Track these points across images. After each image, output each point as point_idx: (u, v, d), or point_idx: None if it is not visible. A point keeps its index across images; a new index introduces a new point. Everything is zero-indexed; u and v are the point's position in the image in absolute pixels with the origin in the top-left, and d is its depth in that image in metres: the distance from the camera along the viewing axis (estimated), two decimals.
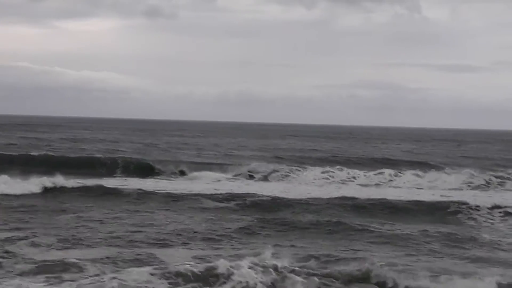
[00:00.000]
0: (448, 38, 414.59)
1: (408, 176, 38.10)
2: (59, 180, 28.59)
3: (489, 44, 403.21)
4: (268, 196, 26.82)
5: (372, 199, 26.89)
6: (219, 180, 35.00)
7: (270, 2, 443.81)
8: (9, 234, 17.47)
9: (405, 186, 35.57)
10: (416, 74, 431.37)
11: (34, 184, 27.86)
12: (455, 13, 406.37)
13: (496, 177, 38.15)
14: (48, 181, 28.30)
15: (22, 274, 13.20)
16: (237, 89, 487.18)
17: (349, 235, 19.36)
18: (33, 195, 26.62)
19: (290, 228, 20.34)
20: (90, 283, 12.18)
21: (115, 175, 36.76)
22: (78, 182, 28.96)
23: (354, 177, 38.03)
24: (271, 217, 22.09)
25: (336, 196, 27.81)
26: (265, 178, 36.94)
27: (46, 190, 27.65)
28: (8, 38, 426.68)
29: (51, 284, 12.30)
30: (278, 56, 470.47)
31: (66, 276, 13.00)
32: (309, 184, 35.53)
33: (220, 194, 27.31)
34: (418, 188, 34.95)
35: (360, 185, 36.05)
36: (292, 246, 17.55)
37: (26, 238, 16.95)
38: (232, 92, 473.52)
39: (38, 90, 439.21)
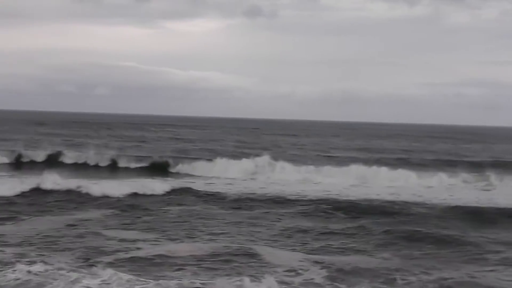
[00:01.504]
0: None
1: None
2: None
3: None
4: None
5: None
6: None
7: (375, 0, 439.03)
8: None
9: None
10: None
11: None
12: None
13: None
14: None
15: None
16: (340, 88, 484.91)
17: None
18: None
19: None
20: None
21: None
22: None
23: None
24: None
25: None
26: None
27: None
28: (116, 39, 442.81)
29: None
30: (381, 54, 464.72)
31: None
32: None
33: None
34: None
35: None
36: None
37: None
38: (335, 91, 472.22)
39: (145, 90, 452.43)
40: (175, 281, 12.64)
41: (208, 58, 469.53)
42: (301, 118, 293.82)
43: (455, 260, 16.10)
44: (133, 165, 39.53)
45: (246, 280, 12.65)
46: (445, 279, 13.74)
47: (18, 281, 12.40)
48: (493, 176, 35.94)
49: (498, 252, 17.10)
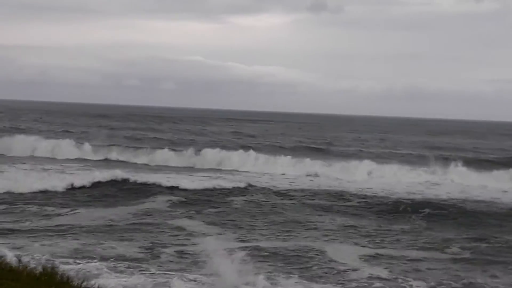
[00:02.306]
0: None
1: None
2: None
3: None
4: None
5: None
6: None
7: None
8: None
9: None
10: None
11: None
12: None
13: None
14: None
15: None
16: (403, 83, 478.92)
17: None
18: None
19: None
20: None
21: None
22: None
23: None
24: None
25: None
26: None
27: None
28: (182, 34, 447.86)
29: None
30: (448, 49, 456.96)
31: None
32: None
33: None
34: None
35: None
36: None
37: None
38: (399, 86, 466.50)
39: (210, 84, 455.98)
40: None
41: (272, 53, 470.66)
42: (363, 113, 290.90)
43: None
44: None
45: None
46: None
47: None
48: None
49: None
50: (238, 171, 36.29)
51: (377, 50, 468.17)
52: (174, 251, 16.18)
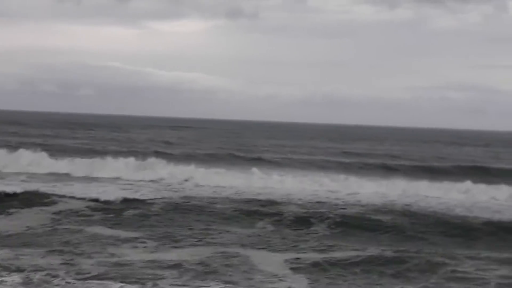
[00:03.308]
0: None
1: None
2: None
3: None
4: None
5: None
6: None
7: (360, 3, 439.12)
8: None
9: None
10: (508, 76, 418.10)
11: None
12: None
13: None
14: None
15: None
16: (324, 90, 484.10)
17: None
18: None
19: None
20: None
21: None
22: None
23: None
24: None
25: None
26: None
27: None
28: (100, 39, 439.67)
29: None
30: (366, 57, 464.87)
31: None
32: None
33: None
34: None
35: None
36: None
37: None
38: (319, 93, 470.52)
39: (130, 90, 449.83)
40: None
41: (192, 59, 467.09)
42: (285, 120, 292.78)
43: None
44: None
45: None
46: None
47: None
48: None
49: None
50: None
51: (298, 57, 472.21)
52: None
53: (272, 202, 25.26)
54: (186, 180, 31.94)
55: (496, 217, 24.21)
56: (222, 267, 15.30)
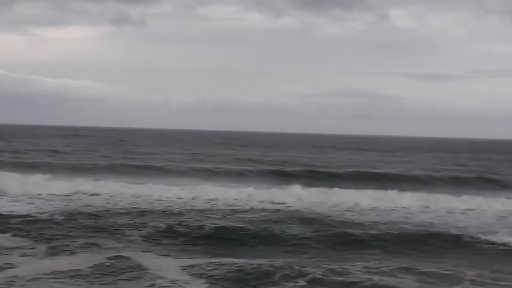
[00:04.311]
0: (422, 47, 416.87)
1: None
2: None
3: (464, 53, 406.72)
4: None
5: None
6: None
7: (249, 11, 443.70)
8: None
9: None
10: (392, 82, 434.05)
11: None
12: (423, 21, 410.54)
13: None
14: None
15: None
16: (215, 97, 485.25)
17: None
18: None
19: None
20: None
21: None
22: None
23: None
24: None
25: None
26: None
27: None
28: None
29: None
30: (256, 64, 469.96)
31: None
32: None
33: None
34: None
35: None
36: None
37: None
38: (210, 100, 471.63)
39: (16, 98, 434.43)
40: None
41: (80, 66, 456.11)
42: (176, 127, 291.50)
43: None
44: None
45: None
46: None
47: None
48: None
49: None
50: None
51: (188, 64, 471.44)
52: None
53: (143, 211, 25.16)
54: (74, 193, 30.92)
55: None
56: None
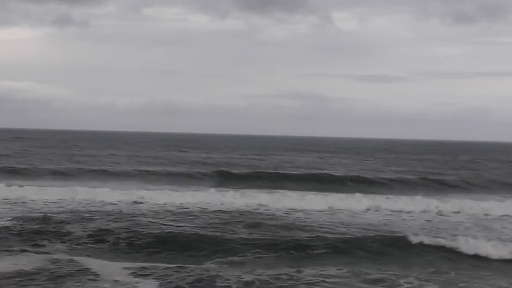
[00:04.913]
0: (367, 49, 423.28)
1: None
2: None
3: (407, 55, 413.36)
4: None
5: None
6: None
7: (195, 12, 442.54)
8: None
9: None
10: (338, 84, 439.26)
11: None
12: (366, 24, 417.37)
13: None
14: None
15: None
16: (162, 99, 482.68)
17: None
18: None
19: None
20: None
21: None
22: None
23: None
24: None
25: None
26: None
27: None
28: None
29: None
30: (203, 65, 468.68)
31: None
32: None
33: None
34: None
35: None
36: None
37: None
38: (157, 102, 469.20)
39: None
40: None
41: (23, 68, 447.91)
42: (122, 129, 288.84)
43: None
44: None
45: None
46: None
47: None
48: None
49: None
50: None
51: (135, 65, 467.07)
52: None
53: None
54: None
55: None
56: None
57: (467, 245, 19.56)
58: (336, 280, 15.54)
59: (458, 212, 29.80)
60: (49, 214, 24.09)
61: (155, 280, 15.22)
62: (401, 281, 15.62)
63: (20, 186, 32.84)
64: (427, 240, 20.39)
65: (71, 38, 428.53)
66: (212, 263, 17.34)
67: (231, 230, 22.06)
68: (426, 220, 27.03)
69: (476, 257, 18.85)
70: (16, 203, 28.49)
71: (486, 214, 29.23)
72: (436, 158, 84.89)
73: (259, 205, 30.13)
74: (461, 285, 15.57)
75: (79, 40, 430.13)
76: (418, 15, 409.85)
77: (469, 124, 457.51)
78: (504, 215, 28.98)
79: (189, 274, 15.72)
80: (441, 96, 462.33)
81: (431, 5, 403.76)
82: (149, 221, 23.49)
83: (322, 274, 16.05)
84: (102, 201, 29.76)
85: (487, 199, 34.95)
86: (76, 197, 30.40)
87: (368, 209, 30.16)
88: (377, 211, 29.72)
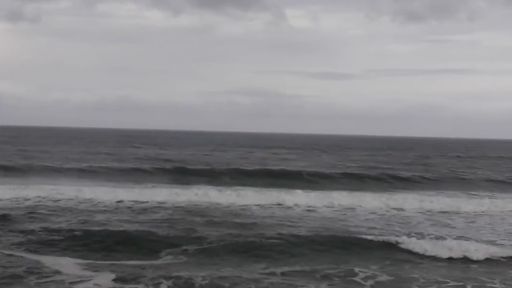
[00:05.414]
0: (320, 47, 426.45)
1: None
2: None
3: (360, 53, 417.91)
4: None
5: None
6: None
7: (149, 9, 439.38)
8: None
9: None
10: (292, 81, 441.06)
11: None
12: (319, 22, 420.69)
13: None
14: None
15: None
16: (116, 95, 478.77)
17: None
18: None
19: None
20: None
21: None
22: None
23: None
24: None
25: None
26: None
27: None
28: None
29: None
30: (158, 62, 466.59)
31: None
32: None
33: None
34: None
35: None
36: None
37: None
38: (111, 98, 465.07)
39: None
40: None
41: None
42: (76, 125, 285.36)
43: None
44: None
45: None
46: None
47: None
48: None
49: None
50: None
51: (88, 61, 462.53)
52: None
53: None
54: None
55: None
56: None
57: (415, 243, 19.89)
58: (287, 278, 15.79)
59: (408, 207, 30.19)
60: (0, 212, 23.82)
61: (110, 272, 15.36)
62: (356, 272, 16.11)
63: None
64: (376, 238, 20.69)
65: (22, 34, 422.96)
66: (164, 261, 17.39)
67: (185, 227, 22.08)
68: (378, 215, 27.40)
69: (421, 255, 19.14)
70: None
71: (429, 210, 29.72)
72: (388, 153, 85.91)
73: (212, 202, 30.13)
74: (413, 275, 16.08)
75: (31, 36, 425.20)
76: (369, 13, 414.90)
77: (419, 121, 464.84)
78: (450, 211, 29.56)
79: (143, 269, 15.83)
80: (392, 93, 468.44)
81: (382, 4, 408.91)
82: (102, 218, 23.38)
83: (273, 272, 16.25)
84: (54, 198, 29.45)
85: (438, 194, 35.59)
86: (29, 194, 30.03)
87: (319, 206, 30.22)
88: (330, 207, 29.86)
